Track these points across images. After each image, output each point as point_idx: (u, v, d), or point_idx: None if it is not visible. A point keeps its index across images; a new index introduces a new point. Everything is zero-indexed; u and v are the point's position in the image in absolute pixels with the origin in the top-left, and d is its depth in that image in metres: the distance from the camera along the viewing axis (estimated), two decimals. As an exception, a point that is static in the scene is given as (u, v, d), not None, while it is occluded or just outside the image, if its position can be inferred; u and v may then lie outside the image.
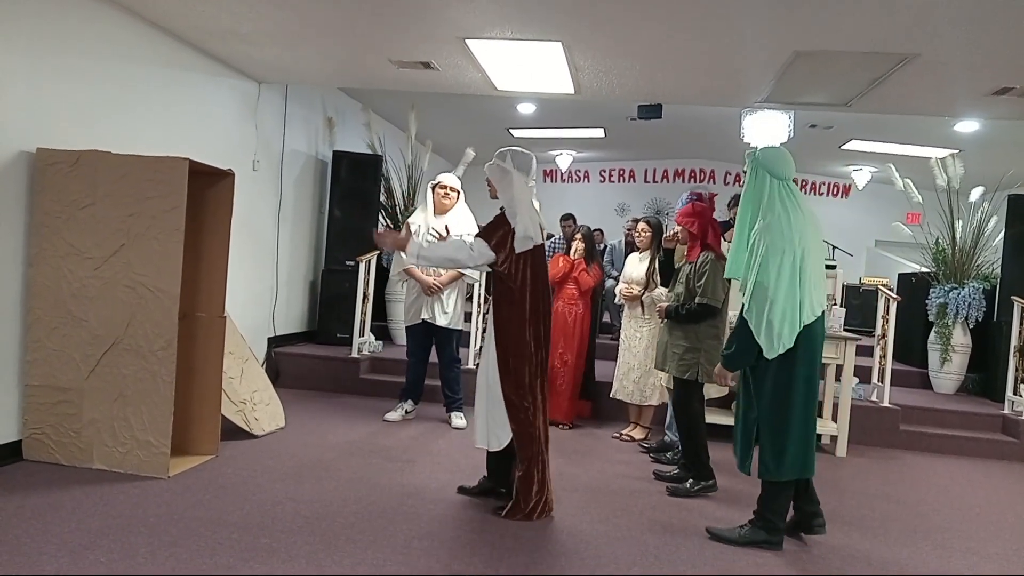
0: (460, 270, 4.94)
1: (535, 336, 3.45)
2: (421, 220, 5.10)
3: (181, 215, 3.64)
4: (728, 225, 5.26)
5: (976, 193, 6.86)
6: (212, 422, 4.07)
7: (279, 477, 3.81)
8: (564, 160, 11.13)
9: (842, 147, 8.97)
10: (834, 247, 9.94)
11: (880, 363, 5.73)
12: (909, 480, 4.72)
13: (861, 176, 10.39)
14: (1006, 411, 5.79)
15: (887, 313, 5.76)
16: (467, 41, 4.47)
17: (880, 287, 6.22)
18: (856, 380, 5.38)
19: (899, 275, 7.97)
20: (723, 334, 4.10)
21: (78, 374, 3.70)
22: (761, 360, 3.15)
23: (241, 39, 4.76)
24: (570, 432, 5.25)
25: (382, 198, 7.25)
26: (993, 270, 6.76)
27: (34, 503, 3.19)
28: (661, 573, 2.97)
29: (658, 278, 4.89)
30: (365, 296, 6.28)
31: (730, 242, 3.39)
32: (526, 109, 7.98)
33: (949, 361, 6.57)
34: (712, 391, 4.77)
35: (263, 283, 6.19)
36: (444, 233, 4.86)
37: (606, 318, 7.61)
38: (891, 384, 5.66)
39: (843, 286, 7.34)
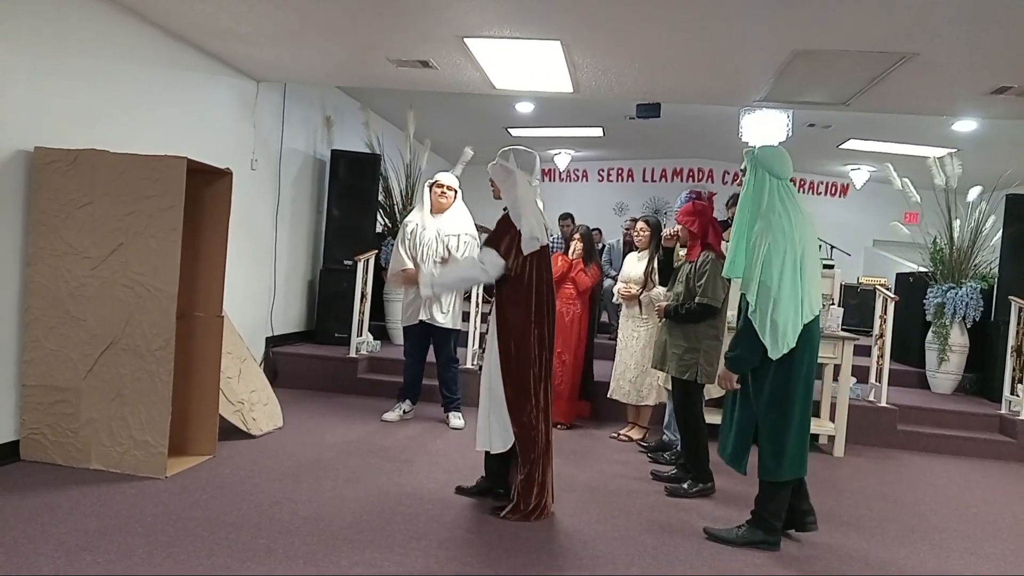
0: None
1: (539, 338, 3.42)
2: (418, 219, 5.10)
3: (179, 214, 3.63)
4: (727, 224, 5.26)
5: (974, 193, 6.86)
6: (210, 422, 4.07)
7: (277, 477, 3.80)
8: (562, 159, 11.13)
9: (840, 146, 8.98)
10: (832, 246, 9.95)
11: (878, 363, 5.73)
12: (906, 480, 4.72)
13: (859, 175, 10.40)
14: (1003, 411, 5.79)
15: (885, 313, 5.76)
16: (466, 40, 4.46)
17: (878, 287, 6.23)
18: (854, 380, 5.38)
19: (897, 275, 7.97)
20: (722, 334, 4.10)
21: (76, 374, 3.70)
22: (763, 360, 3.15)
23: (240, 38, 4.75)
24: (569, 432, 5.24)
25: (380, 197, 7.24)
26: (991, 270, 6.77)
27: (31, 503, 3.19)
28: (659, 573, 2.97)
29: (657, 277, 4.89)
30: (363, 296, 6.27)
31: (728, 241, 3.38)
32: (524, 108, 7.97)
33: (947, 361, 6.57)
34: (713, 391, 4.76)
35: (261, 282, 6.18)
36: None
37: (604, 317, 7.61)
38: (888, 384, 5.66)
39: (841, 286, 7.34)
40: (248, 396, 4.64)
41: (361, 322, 6.31)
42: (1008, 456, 5.45)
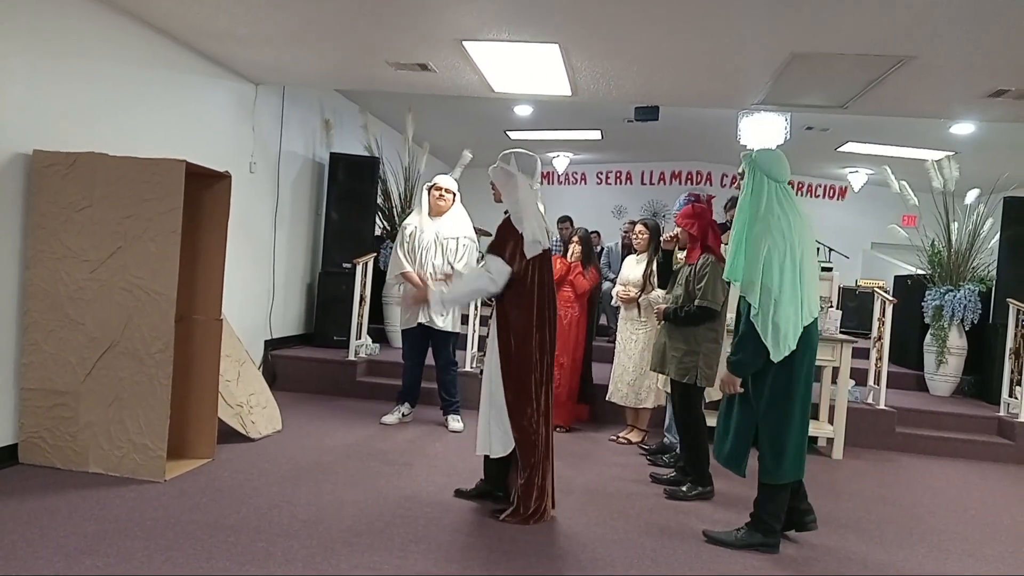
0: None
1: (540, 343, 3.41)
2: (416, 222, 5.10)
3: (178, 217, 3.63)
4: (725, 227, 5.27)
5: (972, 195, 6.87)
6: (209, 425, 4.06)
7: (276, 480, 3.80)
8: (561, 162, 11.14)
9: (838, 149, 8.99)
10: (830, 249, 9.96)
11: (876, 365, 5.74)
12: (905, 482, 4.73)
13: (857, 178, 10.42)
14: (1002, 413, 5.80)
15: (883, 315, 5.77)
16: (464, 43, 4.47)
17: (876, 289, 6.23)
18: (852, 382, 5.38)
19: (895, 277, 7.98)
20: (722, 337, 4.10)
21: (74, 377, 3.69)
22: (764, 363, 3.15)
23: (238, 41, 4.76)
24: (568, 435, 5.24)
25: (379, 200, 7.25)
26: (989, 272, 6.78)
27: (30, 507, 3.18)
28: (658, 575, 2.98)
29: (655, 280, 4.89)
30: (362, 299, 6.28)
31: (727, 244, 3.38)
32: (523, 111, 7.98)
33: (945, 363, 6.58)
34: (713, 394, 4.76)
35: (260, 285, 6.18)
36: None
37: (603, 320, 7.61)
38: (887, 386, 5.66)
39: (839, 288, 7.35)
40: (247, 399, 4.64)
41: (360, 325, 6.31)
42: (1006, 458, 5.45)
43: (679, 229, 4.23)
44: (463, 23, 4.16)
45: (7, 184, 3.64)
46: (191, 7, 4.16)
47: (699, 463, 4.05)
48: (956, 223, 6.72)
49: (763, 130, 7.21)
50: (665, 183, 12.07)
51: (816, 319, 3.21)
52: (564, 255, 5.63)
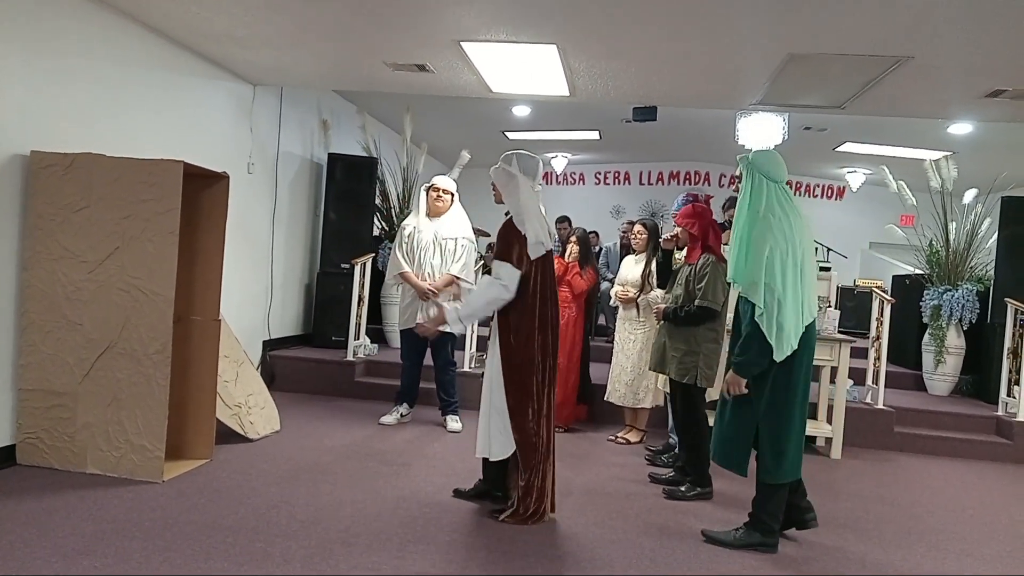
0: (456, 275, 4.94)
1: (542, 345, 3.40)
2: (415, 223, 5.10)
3: (176, 218, 3.63)
4: (724, 227, 5.27)
5: (969, 195, 6.88)
6: (207, 426, 4.06)
7: (274, 481, 3.80)
8: (559, 162, 11.14)
9: (836, 149, 9.01)
10: (829, 249, 9.97)
11: (874, 365, 5.74)
12: (903, 482, 4.73)
13: (855, 178, 10.43)
14: (1000, 413, 5.81)
15: (881, 315, 5.77)
16: (462, 44, 4.47)
17: (874, 289, 6.24)
18: (851, 382, 5.38)
19: (893, 277, 7.99)
20: (722, 337, 4.10)
21: (72, 378, 3.69)
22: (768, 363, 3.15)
23: (236, 42, 4.76)
24: (567, 435, 5.24)
25: (377, 201, 7.24)
26: (987, 272, 6.79)
27: (28, 508, 3.18)
28: (656, 575, 2.98)
29: (654, 280, 4.89)
30: (360, 299, 6.27)
31: (728, 244, 3.38)
32: (521, 112, 7.98)
33: (943, 363, 6.59)
34: (713, 394, 4.75)
35: (258, 286, 6.18)
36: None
37: (601, 320, 7.61)
38: (885, 386, 5.67)
39: (837, 288, 7.36)
40: (245, 400, 4.64)
41: (358, 325, 6.30)
42: (1004, 458, 5.46)
43: (679, 229, 4.23)
44: (461, 24, 4.16)
45: (4, 185, 3.63)
46: (189, 8, 4.16)
47: (699, 464, 4.04)
48: (954, 223, 6.73)
49: (761, 130, 7.21)
50: (663, 183, 12.08)
51: (815, 319, 3.21)
52: (562, 255, 5.63)
